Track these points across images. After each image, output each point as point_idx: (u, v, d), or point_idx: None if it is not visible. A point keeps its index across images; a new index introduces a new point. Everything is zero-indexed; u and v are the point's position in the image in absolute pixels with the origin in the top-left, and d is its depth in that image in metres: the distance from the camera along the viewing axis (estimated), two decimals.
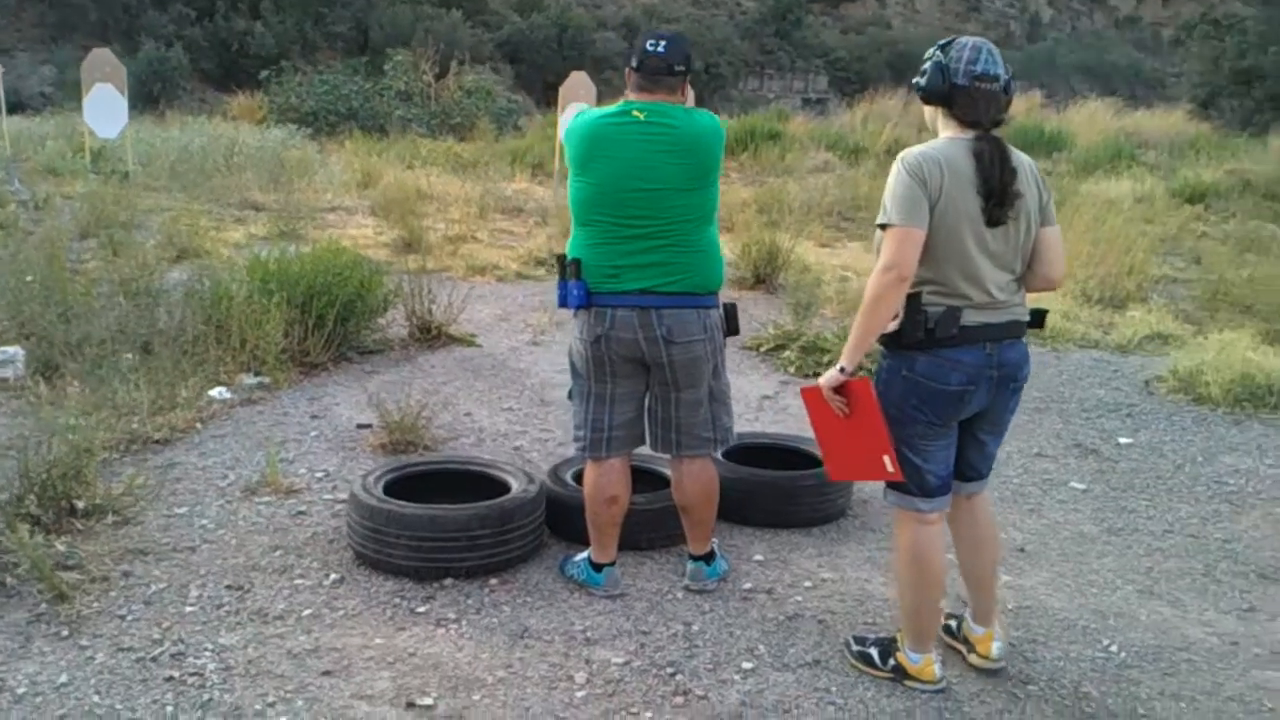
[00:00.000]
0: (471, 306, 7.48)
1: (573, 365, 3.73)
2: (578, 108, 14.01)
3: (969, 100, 3.00)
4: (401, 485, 4.15)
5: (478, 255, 9.63)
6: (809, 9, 67.60)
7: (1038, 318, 3.18)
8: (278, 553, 4.05)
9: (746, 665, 3.41)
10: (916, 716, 3.19)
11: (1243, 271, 9.67)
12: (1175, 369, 6.67)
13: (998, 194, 2.97)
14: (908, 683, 3.30)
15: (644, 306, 3.51)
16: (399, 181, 13.02)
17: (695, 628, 3.64)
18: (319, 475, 4.81)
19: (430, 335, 6.95)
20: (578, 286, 3.54)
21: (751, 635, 3.60)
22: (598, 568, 3.84)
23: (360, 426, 5.44)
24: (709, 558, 3.92)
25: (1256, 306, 8.28)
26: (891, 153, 16.39)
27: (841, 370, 3.03)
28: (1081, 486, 5.04)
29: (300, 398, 5.84)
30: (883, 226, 2.97)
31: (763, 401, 6.17)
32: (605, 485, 3.72)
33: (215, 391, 5.69)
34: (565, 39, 53.01)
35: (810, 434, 5.29)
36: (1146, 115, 24.62)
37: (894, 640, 3.39)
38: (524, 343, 7.17)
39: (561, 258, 3.64)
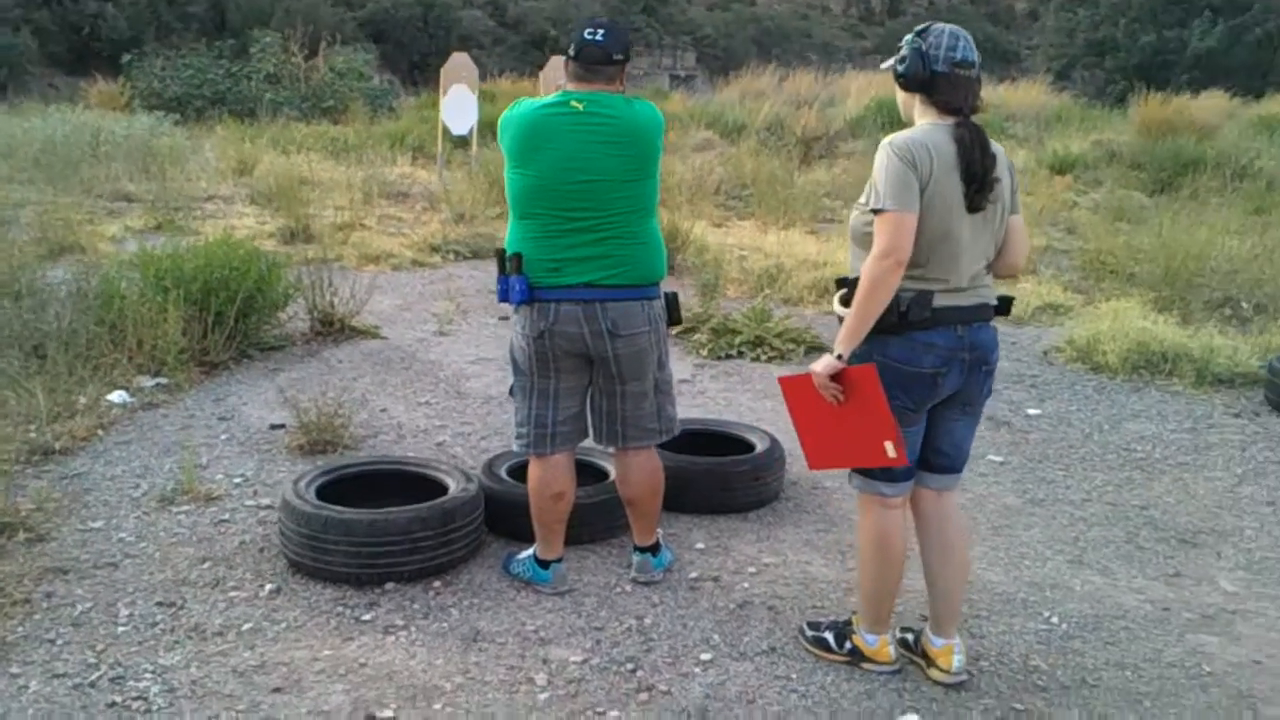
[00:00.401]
0: (370, 297, 7.30)
1: (514, 361, 3.65)
2: (460, 89, 13.87)
3: (950, 87, 3.00)
4: (333, 489, 4.02)
5: (369, 243, 9.40)
6: None
7: (1004, 304, 3.20)
8: (206, 564, 3.89)
9: (705, 657, 3.40)
10: (877, 698, 3.21)
11: (1118, 239, 10.00)
12: (1071, 339, 6.88)
13: (979, 180, 2.98)
14: (865, 665, 3.32)
15: (588, 300, 3.45)
16: (277, 168, 12.66)
17: (648, 621, 3.61)
18: (237, 480, 4.64)
19: (333, 328, 6.77)
20: (519, 281, 3.47)
21: (705, 625, 3.59)
22: (544, 564, 3.78)
23: (273, 427, 5.26)
24: (655, 549, 3.90)
25: (1138, 275, 8.56)
26: (772, 129, 16.61)
27: (839, 358, 3.00)
28: (999, 459, 5.16)
29: (204, 399, 5.63)
30: (876, 211, 2.94)
31: (680, 386, 6.15)
32: (551, 481, 3.66)
33: (115, 396, 5.45)
34: (431, 17, 52.24)
35: (734, 418, 5.36)
36: (1010, 89, 25.22)
37: (848, 623, 3.40)
38: (430, 333, 7.04)
39: (500, 252, 3.57)
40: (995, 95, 25.60)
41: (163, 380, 5.73)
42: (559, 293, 3.45)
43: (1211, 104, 20.00)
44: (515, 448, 3.72)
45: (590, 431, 3.75)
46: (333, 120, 19.05)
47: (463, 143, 15.25)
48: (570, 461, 3.72)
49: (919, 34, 3.04)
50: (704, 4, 67.44)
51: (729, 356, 6.59)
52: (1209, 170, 13.93)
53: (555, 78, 14.36)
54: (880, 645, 3.31)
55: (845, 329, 2.99)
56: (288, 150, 14.68)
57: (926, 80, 3.00)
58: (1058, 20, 42.05)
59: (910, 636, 3.46)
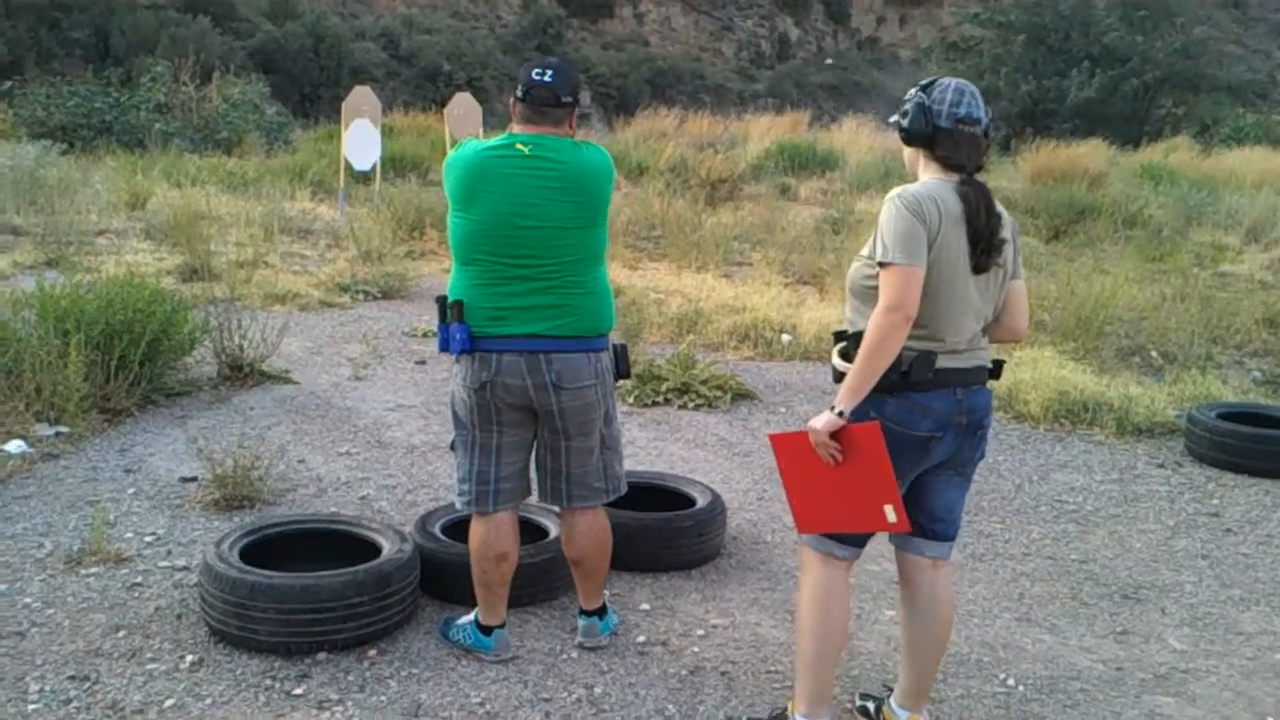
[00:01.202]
0: (281, 340, 7.02)
1: (455, 414, 3.47)
2: (363, 124, 13.63)
3: (952, 143, 2.93)
4: (256, 550, 3.79)
5: (274, 282, 9.08)
6: (568, 24, 68.17)
7: (996, 367, 3.11)
8: (121, 633, 3.62)
9: None
10: None
11: None
12: (991, 387, 6.89)
13: (985, 240, 2.90)
14: None
15: (532, 351, 3.30)
16: (172, 202, 12.24)
17: (598, 690, 3.45)
18: (148, 539, 4.36)
19: (242, 373, 6.48)
20: (460, 330, 3.30)
21: (658, 694, 3.44)
22: (486, 630, 3.60)
23: (184, 480, 4.99)
24: (601, 612, 3.73)
25: (1047, 322, 8.68)
26: (676, 171, 16.64)
27: (840, 414, 2.84)
28: None
29: (108, 449, 5.32)
30: (882, 265, 2.82)
31: None
32: (493, 542, 3.48)
33: (11, 446, 5.12)
34: (322, 49, 51.58)
35: (666, 468, 5.24)
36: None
37: (783, 713, 3.19)
38: (345, 378, 6.78)
39: (442, 299, 3.39)
40: (890, 140, 26.18)
41: (63, 429, 5.40)
42: (501, 343, 3.30)
43: (1093, 152, 20.58)
44: (457, 505, 3.52)
45: (534, 489, 3.59)
46: (226, 152, 18.54)
47: (364, 178, 14.97)
48: (514, 520, 3.55)
49: (924, 88, 2.97)
50: (598, 44, 67.93)
51: (655, 404, 6.47)
52: (1102, 218, 14.32)
53: (462, 115, 14.26)
54: None
55: (848, 385, 2.84)
56: (181, 183, 14.22)
57: (929, 135, 2.93)
58: (940, 69, 43.25)
59: (871, 705, 3.34)
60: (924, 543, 3.10)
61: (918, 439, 2.91)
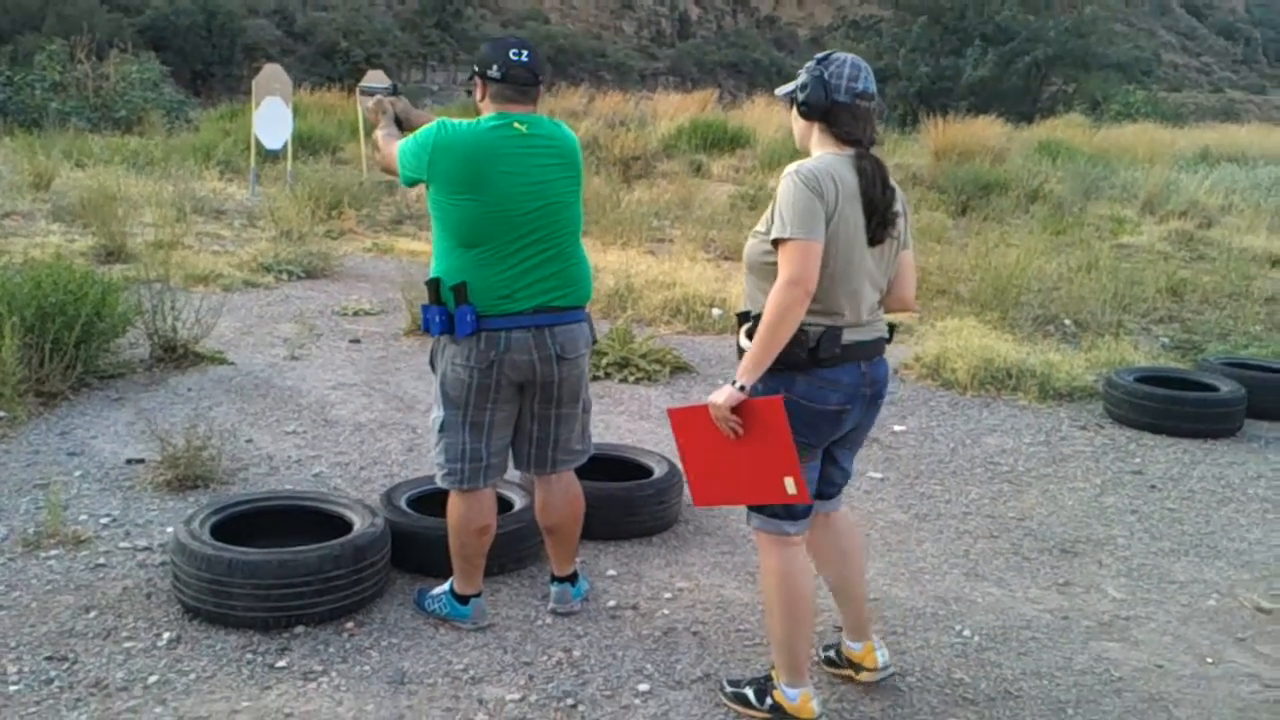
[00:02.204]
0: (204, 321, 6.92)
1: (445, 394, 3.46)
2: (274, 102, 13.39)
3: (851, 117, 2.96)
4: (223, 528, 3.79)
5: (193, 263, 8.93)
6: (468, 0, 67.48)
7: (890, 333, 3.20)
8: (92, 614, 3.61)
9: (642, 688, 3.35)
10: None
11: (933, 259, 10.42)
12: (919, 356, 7.13)
13: (880, 213, 2.96)
14: None
15: (539, 326, 3.37)
16: (78, 182, 11.93)
17: (576, 653, 3.54)
18: (104, 521, 4.32)
19: (175, 355, 6.40)
20: (468, 312, 3.32)
21: (635, 655, 3.54)
22: (463, 600, 3.66)
23: (130, 461, 4.93)
24: (573, 578, 3.82)
25: (963, 294, 8.95)
26: (589, 149, 16.65)
27: (741, 389, 2.89)
28: (878, 475, 5.30)
29: (48, 433, 5.23)
30: (780, 241, 2.86)
31: None
32: (476, 516, 3.54)
33: None
34: (214, 25, 50.38)
35: (614, 440, 5.33)
36: None
37: (769, 678, 3.26)
38: (281, 358, 6.73)
39: (435, 282, 3.40)
40: (787, 121, 26.49)
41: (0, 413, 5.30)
42: (509, 320, 3.34)
43: (990, 129, 21.06)
44: (442, 483, 3.55)
45: (513, 460, 3.65)
46: (125, 131, 18.08)
47: (273, 158, 14.73)
48: (494, 494, 3.62)
49: (820, 62, 3.01)
50: (497, 21, 67.44)
51: (596, 378, 6.55)
52: (1007, 193, 14.73)
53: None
54: (802, 700, 3.13)
55: (748, 359, 2.89)
56: (84, 163, 13.86)
57: (827, 109, 2.96)
58: (842, 48, 43.84)
59: (833, 653, 3.48)
60: (819, 504, 3.21)
61: (829, 413, 2.99)
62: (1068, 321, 8.32)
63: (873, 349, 3.07)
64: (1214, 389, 6.23)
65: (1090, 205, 15.46)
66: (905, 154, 19.37)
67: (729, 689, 3.31)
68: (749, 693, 3.25)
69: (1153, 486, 5.30)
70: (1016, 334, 7.83)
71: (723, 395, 2.92)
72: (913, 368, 7.07)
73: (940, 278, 9.54)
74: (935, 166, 17.14)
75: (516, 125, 3.35)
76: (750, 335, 2.94)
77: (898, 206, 3.03)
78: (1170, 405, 6.03)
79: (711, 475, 3.10)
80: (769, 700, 3.20)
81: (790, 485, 2.93)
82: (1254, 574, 4.39)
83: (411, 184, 3.48)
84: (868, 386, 3.05)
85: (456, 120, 3.42)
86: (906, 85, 36.42)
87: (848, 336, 2.97)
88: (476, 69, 3.45)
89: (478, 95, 3.50)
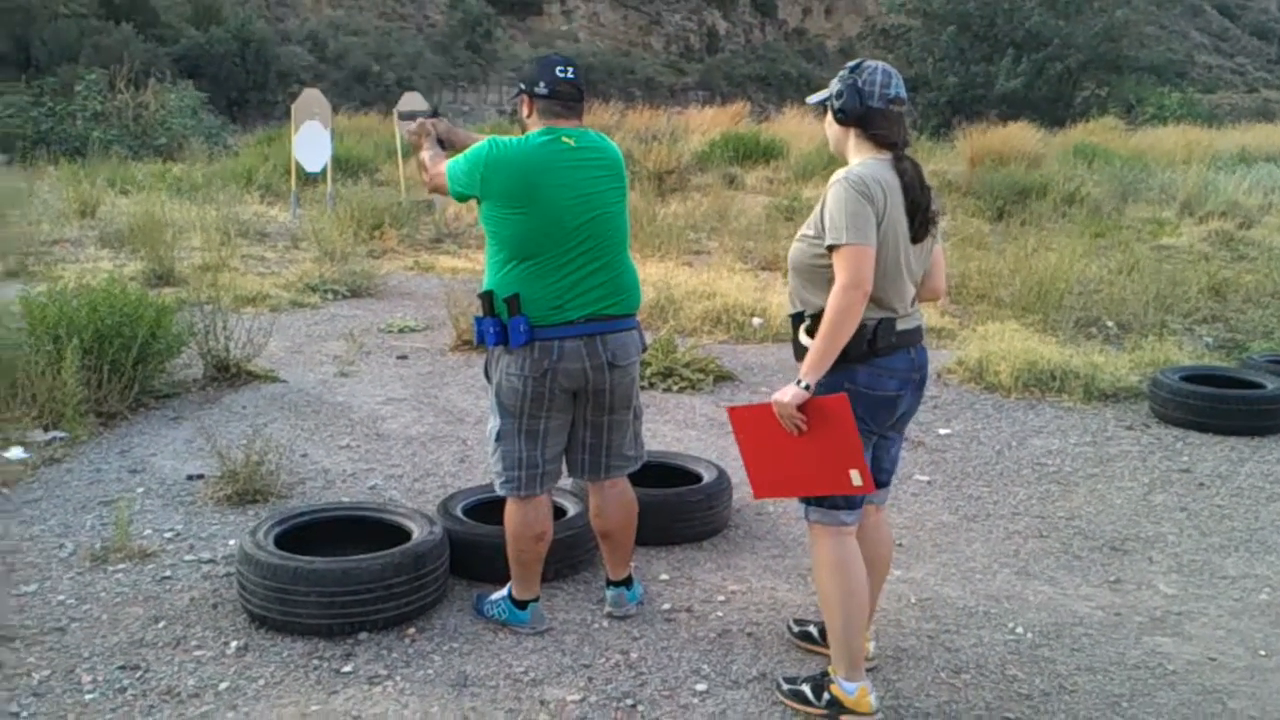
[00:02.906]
0: (268, 340, 7.06)
1: (500, 404, 3.54)
2: (312, 125, 13.59)
3: (885, 121, 3.10)
4: (287, 539, 3.88)
5: (240, 285, 9.09)
6: (497, 22, 67.94)
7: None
8: (161, 624, 3.71)
9: (699, 687, 3.41)
10: (875, 718, 3.27)
11: (973, 265, 10.43)
12: (962, 360, 7.15)
13: (922, 211, 3.11)
14: (844, 718, 3.22)
15: (590, 335, 3.45)
16: (124, 209, 12.16)
17: (634, 655, 3.60)
18: (168, 535, 4.43)
19: (229, 374, 6.53)
20: (521, 322, 3.41)
21: (691, 656, 3.59)
22: (521, 605, 3.73)
23: (191, 478, 5.05)
24: (628, 582, 3.89)
25: (1004, 298, 8.95)
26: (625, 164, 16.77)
27: (806, 387, 3.01)
28: (925, 479, 5.33)
29: (109, 452, 5.36)
30: (835, 247, 2.98)
31: None
32: (533, 522, 3.61)
33: (12, 452, 5.14)
34: (248, 53, 50.96)
35: (661, 449, 5.39)
36: None
37: (825, 674, 3.32)
38: (331, 375, 6.85)
39: (487, 294, 3.49)
40: (822, 131, 26.49)
41: (59, 434, 5.43)
42: (561, 330, 3.43)
43: (1024, 134, 21.00)
44: (502, 491, 3.62)
45: (566, 467, 3.73)
46: (166, 158, 18.38)
47: (312, 180, 14.93)
48: (550, 500, 3.69)
49: (853, 70, 3.14)
50: (527, 41, 67.84)
51: (641, 388, 6.60)
52: (1044, 198, 14.69)
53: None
54: (860, 695, 3.20)
55: (811, 359, 3.01)
56: (128, 190, 14.11)
57: (863, 115, 3.09)
58: (870, 59, 43.71)
59: (814, 630, 3.60)
60: (872, 494, 3.29)
61: (887, 398, 3.15)
62: (1110, 323, 8.31)
63: (917, 335, 3.23)
64: (1260, 386, 6.22)
65: (1128, 208, 15.40)
66: (940, 161, 19.35)
67: (785, 687, 3.36)
68: (806, 689, 3.30)
69: (1201, 484, 5.30)
70: (1059, 336, 7.83)
71: (789, 394, 3.05)
72: (956, 371, 7.09)
73: (981, 282, 9.55)
74: (971, 173, 17.11)
75: (565, 140, 3.44)
76: (810, 334, 3.09)
77: (935, 205, 3.16)
78: (1217, 403, 6.02)
79: (771, 470, 3.23)
80: (826, 695, 3.25)
81: (856, 477, 3.06)
82: None
83: (462, 199, 3.57)
84: (916, 371, 3.22)
85: (507, 137, 3.51)
86: (937, 94, 36.37)
87: (900, 325, 3.13)
88: (523, 86, 3.54)
89: (524, 112, 3.59)
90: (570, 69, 3.52)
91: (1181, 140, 23.21)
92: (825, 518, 3.21)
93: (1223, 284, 9.84)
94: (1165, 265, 10.58)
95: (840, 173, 3.08)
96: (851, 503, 3.18)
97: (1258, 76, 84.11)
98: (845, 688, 3.22)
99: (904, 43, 40.03)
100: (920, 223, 3.11)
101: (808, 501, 3.23)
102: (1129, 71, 36.45)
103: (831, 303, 2.98)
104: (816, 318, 3.04)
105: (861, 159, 3.12)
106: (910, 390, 3.21)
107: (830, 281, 3.00)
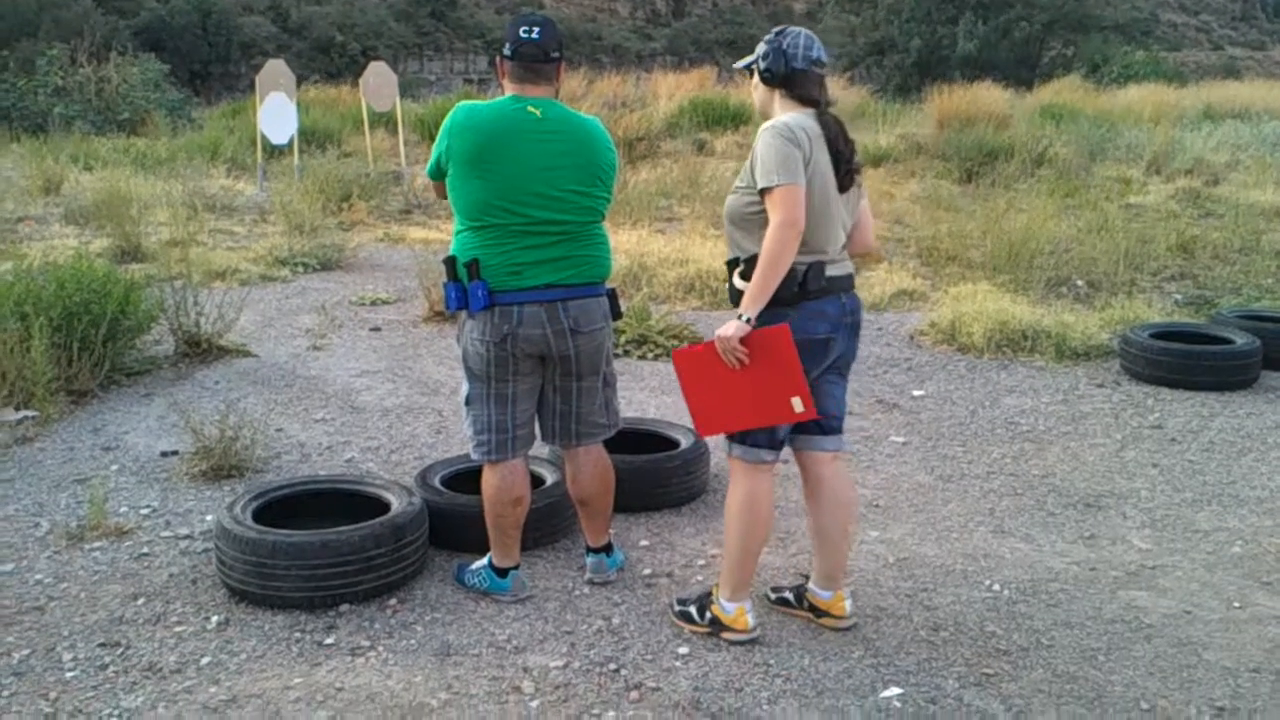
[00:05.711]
0: (226, 315, 6.99)
1: (468, 369, 3.56)
2: (278, 98, 13.45)
3: (808, 81, 3.27)
4: (265, 513, 3.87)
5: (209, 259, 9.01)
6: None
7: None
8: (140, 601, 3.69)
9: (682, 651, 3.42)
10: (856, 675, 3.30)
11: (943, 227, 10.47)
12: (934, 322, 7.18)
13: (846, 161, 3.26)
14: (724, 635, 3.45)
15: (550, 301, 3.44)
16: (88, 185, 12.01)
17: (616, 620, 3.61)
18: (145, 512, 4.40)
19: (199, 349, 6.48)
20: (480, 287, 3.40)
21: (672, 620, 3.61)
22: (501, 573, 3.73)
23: (165, 454, 5.02)
24: (608, 549, 3.90)
25: (975, 259, 8.99)
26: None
27: (747, 321, 3.14)
28: (900, 439, 5.36)
29: (80, 429, 5.32)
30: (766, 190, 3.11)
31: None
32: (509, 487, 3.62)
33: None
34: (209, 24, 50.29)
35: (637, 414, 5.40)
36: None
37: (709, 594, 3.53)
38: (304, 349, 6.81)
39: (451, 259, 3.48)
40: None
41: (30, 413, 5.38)
42: (521, 295, 3.42)
43: (991, 95, 21.01)
44: (474, 456, 3.63)
45: (539, 432, 3.73)
46: (129, 133, 18.15)
47: (279, 153, 14.79)
48: (526, 466, 3.69)
49: (777, 34, 3.32)
50: (492, 7, 67.22)
51: (615, 355, 6.61)
52: (1012, 159, 14.73)
53: (377, 85, 14.12)
54: (737, 613, 3.44)
55: (751, 293, 3.14)
56: (92, 166, 13.95)
57: (787, 76, 3.26)
58: (836, 21, 43.73)
59: (790, 595, 3.66)
60: (823, 439, 3.45)
61: (819, 341, 3.26)
62: (1080, 282, 8.36)
63: (848, 282, 3.37)
64: (1229, 341, 6.28)
65: (1096, 167, 15.46)
66: (908, 124, 19.38)
67: (677, 607, 3.59)
68: (692, 610, 3.55)
69: (1172, 440, 5.36)
70: (1030, 296, 7.88)
71: (731, 329, 3.19)
72: (929, 333, 7.12)
73: (952, 244, 9.60)
74: (938, 135, 17.12)
75: (530, 109, 3.41)
76: (745, 277, 3.23)
77: (858, 159, 3.33)
78: (1186, 359, 6.08)
79: (713, 407, 3.35)
80: (708, 614, 3.49)
81: (798, 404, 3.21)
82: (1277, 520, 4.44)
83: (440, 176, 3.54)
84: (848, 316, 3.34)
85: (478, 101, 3.49)
86: (903, 57, 36.37)
87: (829, 270, 3.27)
88: (500, 50, 3.52)
89: (499, 76, 3.56)
90: (537, 29, 3.46)
91: (1148, 99, 23.26)
92: (746, 454, 3.36)
93: (1191, 241, 9.91)
94: (1134, 224, 10.65)
95: (765, 124, 3.24)
96: (773, 442, 3.34)
97: (1223, 34, 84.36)
98: (725, 607, 3.45)
99: (870, 5, 40.01)
100: (845, 173, 3.26)
101: (732, 438, 3.37)
102: (1094, 30, 36.54)
103: (767, 242, 3.10)
104: (751, 262, 3.19)
105: (789, 115, 3.26)
106: (843, 334, 3.33)
107: (764, 227, 3.13)
